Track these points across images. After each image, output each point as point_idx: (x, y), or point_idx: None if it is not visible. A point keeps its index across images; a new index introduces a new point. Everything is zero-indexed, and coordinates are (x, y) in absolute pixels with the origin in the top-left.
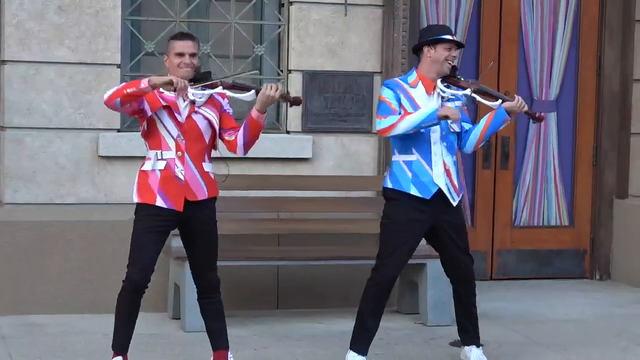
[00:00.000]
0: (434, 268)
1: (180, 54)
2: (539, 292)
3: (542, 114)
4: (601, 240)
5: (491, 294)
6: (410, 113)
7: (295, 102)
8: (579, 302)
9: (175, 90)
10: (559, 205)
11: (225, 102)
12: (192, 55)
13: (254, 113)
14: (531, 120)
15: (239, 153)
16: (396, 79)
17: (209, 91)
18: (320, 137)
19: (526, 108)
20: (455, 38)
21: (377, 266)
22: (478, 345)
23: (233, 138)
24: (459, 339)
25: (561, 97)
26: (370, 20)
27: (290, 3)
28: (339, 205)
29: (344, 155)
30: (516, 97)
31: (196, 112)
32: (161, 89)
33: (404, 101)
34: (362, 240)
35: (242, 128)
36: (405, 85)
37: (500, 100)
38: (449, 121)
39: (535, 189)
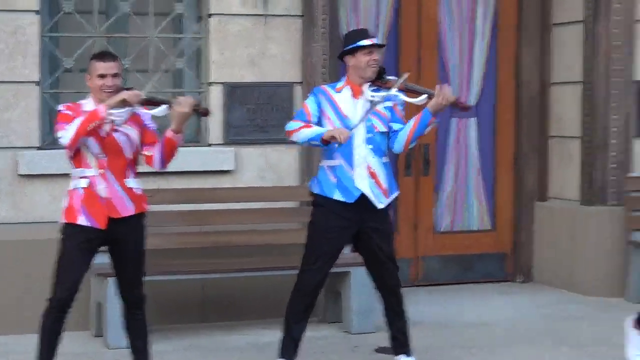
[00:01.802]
0: (358, 276)
1: (102, 76)
2: (462, 297)
3: (468, 103)
4: (522, 243)
5: (416, 300)
6: (309, 126)
7: (203, 113)
8: (503, 305)
9: (131, 106)
10: (480, 209)
11: (147, 118)
12: (115, 75)
13: (169, 133)
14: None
15: (157, 168)
16: (324, 85)
17: (128, 109)
18: (242, 148)
19: (453, 99)
20: (373, 41)
21: (301, 272)
22: (409, 354)
23: (151, 154)
24: (383, 346)
25: (481, 102)
26: (290, 30)
27: (209, 15)
28: (263, 216)
29: (266, 166)
30: (437, 88)
31: (116, 130)
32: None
33: (325, 106)
34: (287, 251)
35: (159, 144)
36: (330, 91)
37: (425, 96)
38: (372, 123)
39: (457, 194)
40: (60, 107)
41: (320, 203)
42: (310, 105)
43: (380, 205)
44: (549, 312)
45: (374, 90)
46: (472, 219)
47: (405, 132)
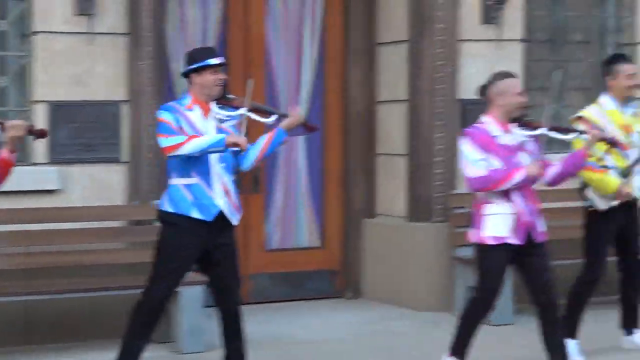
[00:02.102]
0: (187, 295)
1: None
2: (293, 314)
3: (315, 124)
4: (351, 259)
5: (246, 319)
6: (196, 136)
7: (41, 135)
8: (332, 321)
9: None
10: (309, 227)
11: None
12: None
13: (5, 153)
14: (304, 130)
15: None
16: (172, 103)
17: None
18: (67, 168)
19: (303, 119)
20: (222, 60)
21: (150, 289)
22: None
23: None
24: None
25: (309, 120)
26: (115, 48)
27: (34, 33)
28: (90, 236)
29: (93, 185)
30: (290, 109)
31: None
32: None
33: (183, 124)
34: (114, 271)
35: None
36: (182, 109)
37: (275, 116)
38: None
39: (286, 211)
40: None
41: (174, 221)
42: (171, 119)
43: (235, 222)
44: (378, 328)
45: (220, 108)
46: (302, 236)
47: (256, 149)
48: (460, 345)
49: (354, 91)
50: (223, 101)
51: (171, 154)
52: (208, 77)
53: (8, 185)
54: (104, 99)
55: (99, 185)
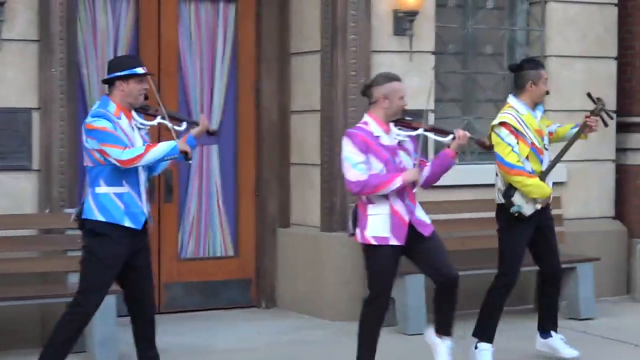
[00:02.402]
0: (103, 305)
1: None
2: (207, 324)
3: (214, 128)
4: (266, 269)
5: (160, 328)
6: (153, 146)
7: None
8: (247, 331)
9: None
10: (223, 236)
11: None
12: None
13: None
14: (207, 136)
15: None
16: (100, 109)
17: None
18: None
19: (207, 126)
20: (145, 70)
21: (81, 301)
22: None
23: None
24: None
25: (222, 129)
26: (26, 55)
27: None
28: (0, 244)
29: (1, 193)
30: (201, 117)
31: None
32: None
33: (119, 132)
34: (25, 280)
35: None
36: (112, 116)
37: (185, 125)
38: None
39: (200, 220)
40: None
41: (105, 231)
42: (113, 129)
43: (152, 228)
44: (293, 337)
45: (139, 115)
46: (216, 245)
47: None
48: (365, 352)
49: (267, 101)
50: (141, 110)
51: (130, 166)
52: (134, 86)
53: None
54: (15, 106)
55: (8, 192)
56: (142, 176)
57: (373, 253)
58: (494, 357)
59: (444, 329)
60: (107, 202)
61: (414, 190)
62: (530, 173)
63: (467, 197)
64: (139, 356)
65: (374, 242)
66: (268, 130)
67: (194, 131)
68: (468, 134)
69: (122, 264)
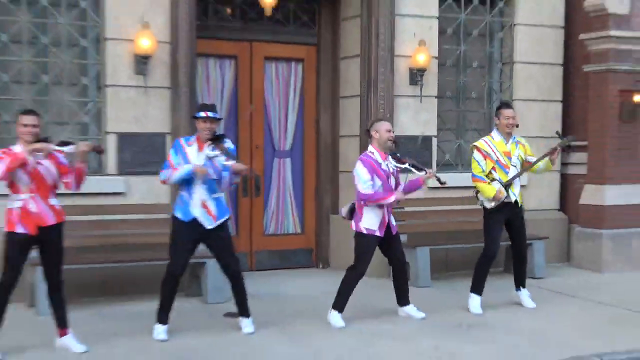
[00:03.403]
0: (211, 264)
1: (25, 125)
2: (282, 278)
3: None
4: (322, 242)
5: (251, 281)
6: (177, 169)
7: (99, 151)
8: (309, 283)
9: (43, 152)
10: (294, 220)
11: (61, 157)
12: (34, 126)
13: (78, 164)
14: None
15: (73, 190)
16: (181, 139)
17: (52, 147)
18: (130, 177)
19: (245, 169)
20: (208, 114)
21: (169, 264)
22: (248, 316)
23: (68, 180)
24: (231, 311)
25: (294, 147)
26: (162, 97)
27: (106, 86)
28: (145, 224)
29: (147, 189)
30: (241, 165)
31: (39, 164)
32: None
33: (180, 156)
34: (159, 248)
35: (73, 174)
36: (184, 144)
37: (228, 160)
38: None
39: (278, 209)
40: None
41: (173, 217)
42: (172, 155)
43: (208, 226)
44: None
45: (213, 150)
46: (289, 226)
47: (226, 178)
48: (342, 299)
49: (324, 129)
50: (213, 143)
51: (166, 183)
52: (200, 124)
53: (92, 189)
54: (155, 131)
55: (151, 189)
56: (198, 188)
57: (362, 238)
58: (481, 303)
59: (403, 300)
60: (178, 200)
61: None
62: (482, 180)
63: (459, 195)
64: (234, 298)
65: (364, 232)
66: (324, 149)
67: (235, 166)
68: (433, 172)
69: (193, 242)
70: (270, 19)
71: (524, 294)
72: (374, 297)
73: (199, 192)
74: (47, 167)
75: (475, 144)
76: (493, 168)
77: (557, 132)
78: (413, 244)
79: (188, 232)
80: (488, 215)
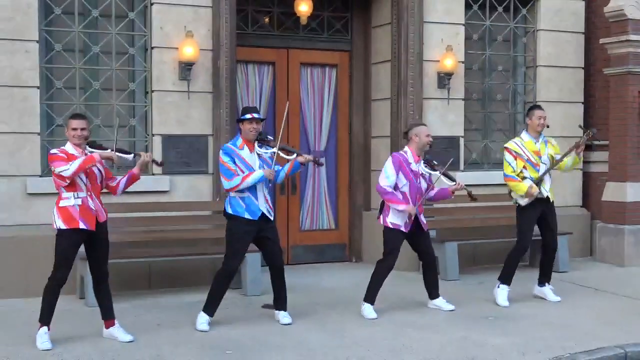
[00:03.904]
0: (251, 259)
1: (74, 128)
2: (317, 272)
3: (322, 161)
4: (355, 237)
5: (288, 274)
6: (247, 175)
7: (159, 164)
8: (342, 276)
9: (111, 160)
10: (328, 216)
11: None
12: (82, 129)
13: (137, 171)
14: (315, 165)
15: (117, 194)
16: (229, 144)
17: (116, 155)
18: (174, 177)
19: (312, 159)
20: (254, 115)
21: (226, 261)
22: (286, 310)
23: (114, 184)
24: (268, 303)
25: (328, 147)
26: (204, 101)
27: (152, 91)
28: (188, 220)
29: (190, 188)
30: (306, 155)
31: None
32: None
33: (238, 161)
34: (203, 243)
35: (125, 179)
36: (236, 149)
37: (295, 155)
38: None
39: (314, 206)
40: (54, 150)
41: (233, 218)
42: (229, 164)
43: (272, 218)
44: None
45: (260, 147)
46: (323, 222)
47: (283, 173)
48: (374, 290)
49: (356, 130)
50: (263, 141)
51: (233, 191)
52: (246, 126)
53: (139, 188)
54: (198, 133)
55: (193, 188)
56: (261, 186)
57: (389, 233)
58: (508, 294)
59: (433, 293)
60: (234, 201)
61: (420, 203)
62: (514, 179)
63: (486, 192)
64: (273, 291)
65: (390, 226)
66: (357, 149)
67: (300, 160)
68: (464, 185)
69: (250, 239)
70: (306, 27)
71: (548, 289)
72: (405, 289)
73: (262, 190)
74: (100, 169)
75: (505, 145)
76: (524, 167)
77: (579, 126)
78: (442, 239)
79: (252, 230)
80: (522, 210)
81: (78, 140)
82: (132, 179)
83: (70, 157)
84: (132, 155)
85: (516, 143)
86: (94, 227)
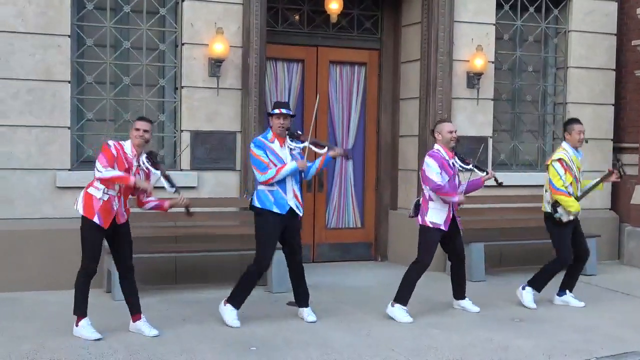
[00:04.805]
0: (277, 256)
1: (137, 129)
2: (342, 270)
3: (350, 155)
4: (381, 236)
5: (312, 272)
6: (281, 167)
7: (189, 214)
8: (367, 275)
9: (145, 191)
10: (354, 214)
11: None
12: (145, 131)
13: (167, 205)
14: (344, 159)
15: (143, 209)
16: (260, 137)
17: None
18: (202, 173)
19: (342, 152)
20: (282, 110)
21: (257, 256)
22: (307, 306)
23: (145, 200)
24: (294, 300)
25: (355, 145)
26: (233, 98)
27: (182, 87)
28: (214, 217)
29: (217, 184)
30: (337, 148)
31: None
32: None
33: (269, 154)
34: (229, 239)
35: (154, 203)
36: (267, 142)
37: (326, 148)
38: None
39: (340, 204)
40: (110, 143)
41: (261, 213)
42: (262, 156)
43: (301, 214)
44: (396, 279)
45: (292, 141)
46: (349, 220)
47: (315, 167)
48: (406, 291)
49: (384, 129)
50: (293, 135)
51: (267, 183)
52: (275, 121)
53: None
54: (226, 129)
55: (220, 184)
56: (290, 180)
57: (427, 232)
58: (533, 297)
59: (459, 294)
60: (263, 195)
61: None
62: (568, 194)
63: (513, 193)
64: (294, 289)
65: (430, 225)
66: (384, 147)
67: (331, 153)
68: (495, 174)
69: (278, 234)
70: (336, 25)
71: (569, 296)
72: (431, 289)
73: (290, 184)
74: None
75: (559, 157)
76: (571, 182)
77: (616, 161)
78: (468, 240)
79: (281, 224)
80: (560, 228)
81: (139, 141)
82: (159, 208)
83: (119, 157)
84: (174, 189)
85: (567, 155)
86: (107, 225)
